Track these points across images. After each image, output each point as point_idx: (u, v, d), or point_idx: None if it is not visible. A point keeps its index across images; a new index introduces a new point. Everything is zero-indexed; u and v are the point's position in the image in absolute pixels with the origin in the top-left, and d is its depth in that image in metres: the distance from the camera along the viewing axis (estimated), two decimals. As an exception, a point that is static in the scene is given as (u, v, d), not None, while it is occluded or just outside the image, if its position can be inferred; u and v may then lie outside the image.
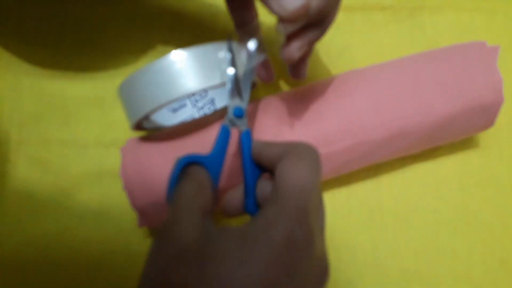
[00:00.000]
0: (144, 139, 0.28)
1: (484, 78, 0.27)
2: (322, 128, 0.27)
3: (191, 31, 0.35)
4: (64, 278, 0.31)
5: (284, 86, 0.34)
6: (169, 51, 0.24)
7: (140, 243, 0.32)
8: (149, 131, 0.30)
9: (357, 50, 0.34)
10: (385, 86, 0.27)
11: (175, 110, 0.29)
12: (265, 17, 0.28)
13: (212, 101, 0.29)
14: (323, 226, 0.20)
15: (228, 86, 0.24)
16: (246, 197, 0.22)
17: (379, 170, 0.32)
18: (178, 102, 0.28)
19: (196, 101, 0.29)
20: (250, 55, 0.25)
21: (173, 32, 0.35)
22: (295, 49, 0.23)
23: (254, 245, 0.16)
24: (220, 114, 0.28)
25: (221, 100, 0.29)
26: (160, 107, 0.25)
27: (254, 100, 0.29)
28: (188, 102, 0.29)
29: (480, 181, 0.32)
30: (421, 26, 0.34)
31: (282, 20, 0.21)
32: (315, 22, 0.23)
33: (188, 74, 0.24)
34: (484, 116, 0.28)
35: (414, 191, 0.32)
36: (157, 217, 0.28)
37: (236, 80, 0.24)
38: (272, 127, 0.27)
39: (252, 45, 0.25)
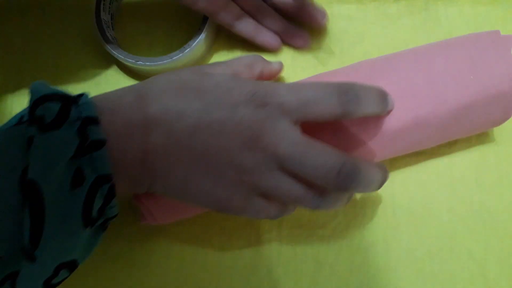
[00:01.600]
0: None
1: (500, 67, 0.26)
2: None
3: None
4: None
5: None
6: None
7: (142, 240, 0.31)
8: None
9: (370, 43, 0.33)
10: (397, 76, 0.26)
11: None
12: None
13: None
14: None
15: None
16: None
17: (392, 167, 0.31)
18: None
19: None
20: None
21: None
22: None
23: None
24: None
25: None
26: None
27: None
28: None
29: (497, 180, 0.31)
30: (436, 19, 0.34)
31: None
32: None
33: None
34: (500, 106, 0.27)
35: (429, 189, 0.31)
36: (161, 213, 0.27)
37: None
38: None
39: None
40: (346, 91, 0.22)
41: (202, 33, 0.31)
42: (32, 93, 0.20)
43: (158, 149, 0.21)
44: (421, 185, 0.31)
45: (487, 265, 0.30)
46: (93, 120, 0.20)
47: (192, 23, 0.34)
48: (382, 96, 0.24)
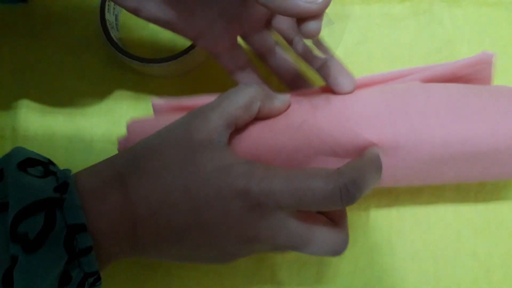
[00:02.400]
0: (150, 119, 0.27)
1: None
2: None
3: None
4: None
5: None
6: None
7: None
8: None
9: (374, 44, 0.33)
10: (428, 107, 0.24)
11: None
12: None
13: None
14: None
15: None
16: None
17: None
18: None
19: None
20: None
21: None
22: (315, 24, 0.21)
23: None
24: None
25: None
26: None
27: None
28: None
29: (501, 181, 0.31)
30: (440, 20, 0.34)
31: (306, 18, 0.20)
32: None
33: None
34: None
35: (433, 191, 0.31)
36: None
37: None
38: None
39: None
40: (347, 189, 0.20)
41: (207, 33, 0.31)
42: (12, 197, 0.18)
43: (146, 247, 0.21)
44: (425, 188, 0.31)
45: (491, 267, 0.29)
46: (80, 228, 0.19)
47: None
48: (379, 169, 0.22)
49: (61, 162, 0.31)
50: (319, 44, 0.25)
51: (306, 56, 0.27)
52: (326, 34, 0.24)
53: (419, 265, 0.30)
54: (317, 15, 0.20)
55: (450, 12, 0.34)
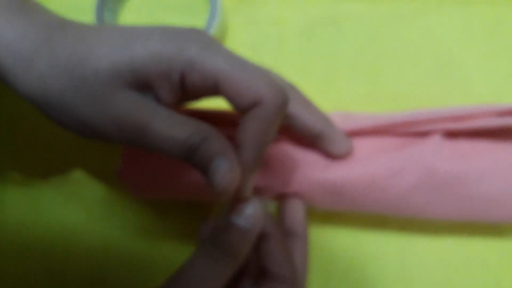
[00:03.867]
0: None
1: None
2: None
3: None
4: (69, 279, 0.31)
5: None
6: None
7: (146, 242, 0.31)
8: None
9: (383, 44, 0.32)
10: None
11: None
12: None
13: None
14: None
15: None
16: None
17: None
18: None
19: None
20: None
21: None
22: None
23: None
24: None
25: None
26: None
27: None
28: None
29: None
30: (450, 20, 0.33)
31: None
32: None
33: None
34: None
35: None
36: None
37: None
38: None
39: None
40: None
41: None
42: None
43: None
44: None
45: (502, 275, 0.29)
46: None
47: (197, 23, 0.33)
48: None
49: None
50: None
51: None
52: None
53: (429, 274, 0.29)
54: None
55: (461, 11, 0.33)
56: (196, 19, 0.33)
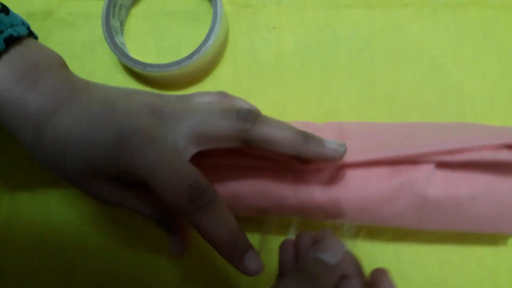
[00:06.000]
0: None
1: None
2: None
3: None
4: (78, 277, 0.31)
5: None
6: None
7: (151, 241, 0.31)
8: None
9: (378, 48, 0.33)
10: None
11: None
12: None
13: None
14: None
15: None
16: None
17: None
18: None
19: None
20: None
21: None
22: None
23: None
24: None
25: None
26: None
27: None
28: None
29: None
30: (444, 24, 0.33)
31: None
32: None
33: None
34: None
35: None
36: None
37: None
38: None
39: None
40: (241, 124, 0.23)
41: (210, 39, 0.31)
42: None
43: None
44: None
45: (497, 272, 0.29)
46: None
47: (200, 29, 0.34)
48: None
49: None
50: None
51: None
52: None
53: (425, 270, 0.29)
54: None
55: (454, 15, 0.33)
56: (199, 26, 0.34)
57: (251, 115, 0.22)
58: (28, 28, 0.25)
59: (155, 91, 0.34)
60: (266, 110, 0.32)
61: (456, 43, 0.33)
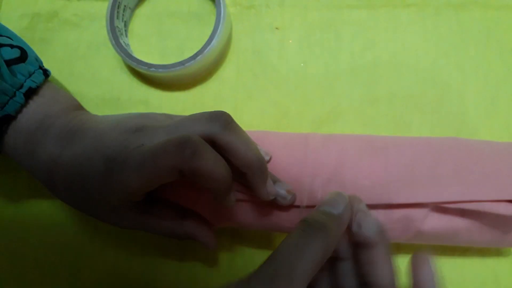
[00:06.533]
0: None
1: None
2: None
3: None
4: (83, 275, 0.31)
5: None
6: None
7: (155, 244, 0.31)
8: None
9: (381, 48, 0.33)
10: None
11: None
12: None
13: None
14: None
15: None
16: None
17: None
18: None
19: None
20: None
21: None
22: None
23: None
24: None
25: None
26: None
27: None
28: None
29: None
30: (447, 24, 0.33)
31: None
32: None
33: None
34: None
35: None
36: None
37: None
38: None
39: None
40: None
41: (214, 40, 0.31)
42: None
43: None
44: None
45: (499, 270, 0.29)
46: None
47: (204, 30, 0.34)
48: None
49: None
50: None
51: None
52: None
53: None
54: None
55: (457, 16, 0.34)
56: (203, 26, 0.35)
57: (224, 119, 0.23)
58: (44, 70, 0.28)
59: (159, 91, 0.34)
60: (269, 110, 0.33)
61: (458, 43, 0.33)
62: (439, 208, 0.26)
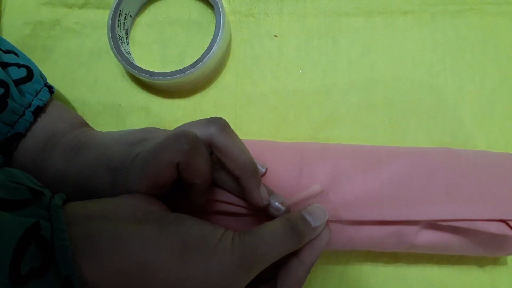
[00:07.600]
0: None
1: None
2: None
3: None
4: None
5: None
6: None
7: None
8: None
9: (378, 55, 0.34)
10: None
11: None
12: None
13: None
14: None
15: None
16: None
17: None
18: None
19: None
20: None
21: (190, 37, 0.35)
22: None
23: None
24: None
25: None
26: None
27: None
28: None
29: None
30: (443, 31, 0.34)
31: None
32: None
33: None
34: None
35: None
36: None
37: None
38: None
39: None
40: None
41: (214, 47, 0.32)
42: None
43: None
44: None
45: (497, 275, 0.30)
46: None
47: (204, 38, 0.35)
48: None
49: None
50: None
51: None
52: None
53: (424, 274, 0.30)
54: None
55: (453, 22, 0.34)
56: (203, 34, 0.35)
57: (220, 123, 0.24)
58: (48, 87, 0.29)
59: (160, 98, 0.34)
60: (268, 116, 0.33)
61: (455, 49, 0.33)
62: (432, 224, 0.26)
